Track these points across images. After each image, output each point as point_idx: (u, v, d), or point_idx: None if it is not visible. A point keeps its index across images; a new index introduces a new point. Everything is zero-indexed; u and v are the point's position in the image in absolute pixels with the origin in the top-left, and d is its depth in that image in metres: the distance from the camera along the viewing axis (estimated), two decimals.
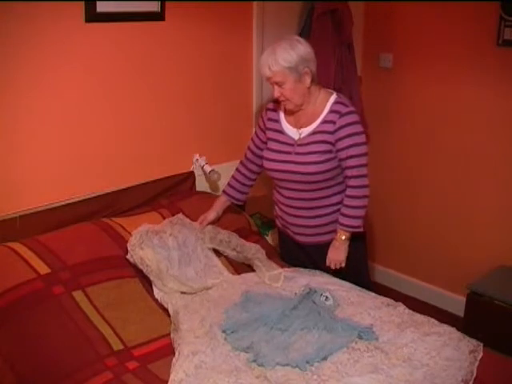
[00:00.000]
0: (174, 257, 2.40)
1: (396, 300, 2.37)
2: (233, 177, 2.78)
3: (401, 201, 3.76)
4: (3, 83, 2.33)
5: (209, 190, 3.16)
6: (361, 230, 2.51)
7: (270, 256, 2.68)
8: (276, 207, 2.70)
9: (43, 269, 2.20)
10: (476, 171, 3.40)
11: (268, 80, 2.43)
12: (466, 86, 3.34)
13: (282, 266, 2.60)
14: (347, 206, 2.47)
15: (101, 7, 2.52)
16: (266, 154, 2.58)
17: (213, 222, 2.69)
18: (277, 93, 2.42)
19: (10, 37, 2.30)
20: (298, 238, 2.64)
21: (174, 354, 1.99)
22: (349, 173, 2.45)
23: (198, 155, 3.09)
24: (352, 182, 2.45)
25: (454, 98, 3.41)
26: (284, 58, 2.35)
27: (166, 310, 2.24)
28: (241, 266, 2.60)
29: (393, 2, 3.57)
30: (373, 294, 2.42)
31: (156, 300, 2.28)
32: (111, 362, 1.98)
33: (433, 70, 3.47)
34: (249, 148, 2.73)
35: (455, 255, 3.55)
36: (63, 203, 2.57)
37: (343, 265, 2.53)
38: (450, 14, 3.33)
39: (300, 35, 3.39)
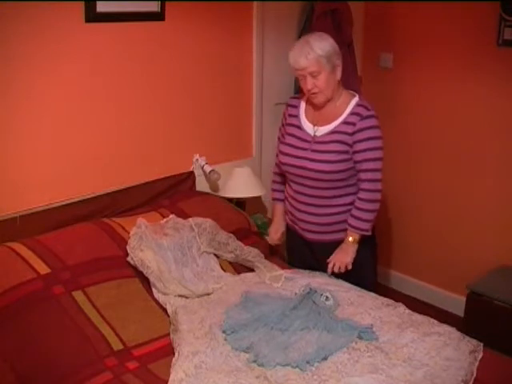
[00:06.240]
0: (170, 257, 2.40)
1: (396, 300, 2.37)
2: (275, 182, 2.76)
3: (400, 201, 3.75)
4: (3, 83, 2.33)
5: (209, 190, 3.16)
6: (368, 233, 2.50)
7: (269, 257, 2.68)
8: (286, 202, 2.69)
9: (43, 269, 2.20)
10: (476, 171, 3.40)
11: (301, 71, 2.39)
12: (466, 85, 3.34)
13: (283, 267, 2.60)
14: (358, 209, 2.46)
15: (101, 7, 2.52)
16: (282, 148, 2.57)
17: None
18: (310, 84, 2.39)
19: (10, 37, 2.30)
20: (305, 234, 2.61)
21: (174, 354, 1.98)
22: (363, 176, 2.44)
23: (197, 155, 3.09)
24: (365, 186, 2.45)
25: (454, 98, 3.41)
26: (320, 46, 2.35)
27: (166, 310, 2.24)
28: (241, 266, 2.60)
29: (393, 2, 3.57)
30: (373, 294, 2.41)
31: (156, 300, 2.28)
32: (111, 361, 1.97)
33: (433, 70, 3.47)
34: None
35: (455, 255, 3.55)
36: (63, 203, 2.57)
37: (349, 267, 2.50)
38: (449, 14, 3.33)
39: (300, 35, 3.40)
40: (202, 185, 3.12)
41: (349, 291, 2.38)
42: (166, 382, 1.85)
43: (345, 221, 2.51)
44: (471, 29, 3.26)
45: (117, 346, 2.04)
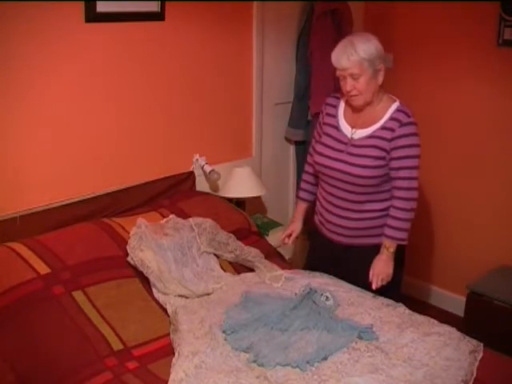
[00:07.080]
0: (170, 257, 2.40)
1: (396, 300, 2.37)
2: (304, 181, 2.73)
3: None
4: (3, 83, 2.33)
5: (209, 190, 3.16)
6: (405, 242, 2.47)
7: (269, 257, 2.68)
8: (317, 202, 2.65)
9: (43, 269, 2.20)
10: (476, 171, 3.40)
11: (342, 72, 2.35)
12: (466, 85, 3.34)
13: (283, 268, 2.60)
14: (394, 218, 2.41)
15: (101, 7, 2.52)
16: (318, 148, 2.52)
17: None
18: (349, 86, 2.35)
19: (10, 37, 2.30)
20: (331, 236, 2.57)
21: (174, 354, 1.98)
22: (399, 184, 2.39)
23: (197, 155, 3.09)
24: (401, 194, 2.39)
25: (454, 98, 3.41)
26: (363, 49, 2.30)
27: (166, 310, 2.24)
28: (241, 266, 2.60)
29: (393, 2, 3.57)
30: (373, 294, 2.41)
31: (156, 300, 2.28)
32: (111, 362, 1.97)
33: (433, 70, 3.47)
34: (313, 147, 2.63)
35: (455, 255, 3.55)
36: (63, 203, 2.57)
37: (389, 279, 2.45)
38: (450, 14, 3.33)
39: (300, 35, 3.41)
40: (202, 185, 3.12)
41: (349, 291, 2.38)
42: (166, 382, 1.85)
43: (374, 227, 2.47)
44: (471, 29, 3.26)
45: (117, 346, 2.04)
